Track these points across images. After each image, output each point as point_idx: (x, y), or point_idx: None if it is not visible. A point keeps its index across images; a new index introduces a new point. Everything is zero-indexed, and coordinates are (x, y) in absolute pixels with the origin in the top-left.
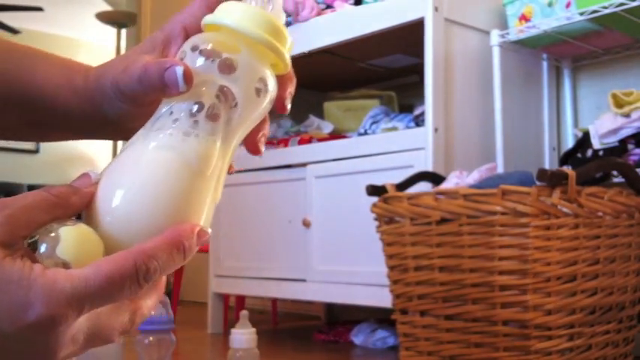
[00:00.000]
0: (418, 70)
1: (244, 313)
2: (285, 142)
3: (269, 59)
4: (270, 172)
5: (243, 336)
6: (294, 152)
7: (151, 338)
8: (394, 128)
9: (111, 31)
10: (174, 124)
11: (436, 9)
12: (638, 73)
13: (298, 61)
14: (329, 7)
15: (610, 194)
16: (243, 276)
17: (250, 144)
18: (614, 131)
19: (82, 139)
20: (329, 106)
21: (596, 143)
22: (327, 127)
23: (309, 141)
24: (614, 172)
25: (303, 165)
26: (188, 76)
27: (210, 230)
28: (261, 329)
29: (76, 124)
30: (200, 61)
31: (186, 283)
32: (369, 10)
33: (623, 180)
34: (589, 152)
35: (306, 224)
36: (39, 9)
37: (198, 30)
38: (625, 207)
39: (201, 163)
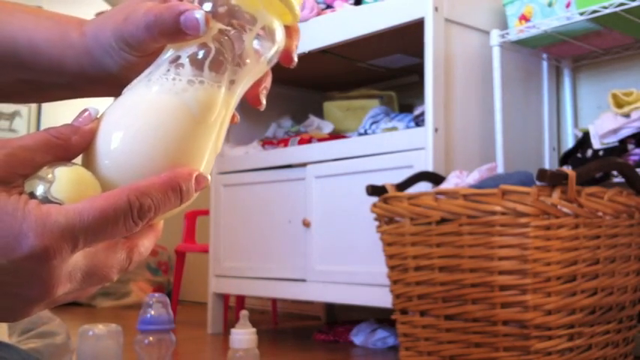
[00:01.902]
0: (418, 70)
1: (244, 313)
2: (285, 142)
3: (278, 9)
4: (270, 172)
5: (243, 336)
6: (294, 152)
7: (150, 338)
8: (394, 128)
9: None
10: (179, 69)
11: (436, 9)
12: (638, 73)
13: (298, 61)
14: (329, 7)
15: (610, 194)
16: (243, 276)
17: (251, 96)
18: (614, 131)
19: (83, 96)
20: (329, 106)
21: (596, 143)
22: (327, 127)
23: (309, 141)
24: (614, 172)
25: (303, 165)
26: (208, 21)
27: (209, 177)
28: (261, 329)
29: (75, 81)
30: (207, 6)
31: (186, 283)
32: (369, 10)
33: (623, 180)
34: (589, 152)
35: (306, 224)
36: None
37: None
38: (625, 207)
39: (204, 110)
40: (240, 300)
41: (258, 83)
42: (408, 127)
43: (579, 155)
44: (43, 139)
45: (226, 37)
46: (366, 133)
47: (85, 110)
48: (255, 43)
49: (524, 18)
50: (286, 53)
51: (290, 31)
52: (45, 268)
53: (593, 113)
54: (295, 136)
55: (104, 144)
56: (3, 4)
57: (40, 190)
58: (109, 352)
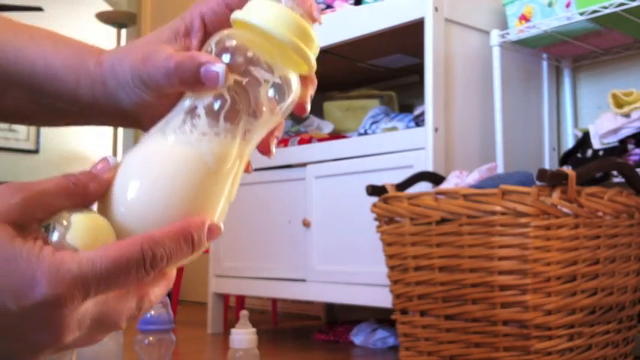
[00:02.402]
0: (418, 70)
1: (244, 313)
2: (285, 142)
3: (294, 61)
4: (270, 172)
5: (243, 336)
6: (294, 152)
7: (150, 338)
8: (394, 128)
9: (111, 31)
10: (195, 119)
11: (436, 9)
12: (638, 73)
13: None
14: (329, 7)
15: (610, 194)
16: (243, 276)
17: (262, 144)
18: (614, 131)
19: (94, 125)
20: (329, 106)
21: (596, 143)
22: (327, 127)
23: (309, 141)
24: (614, 172)
25: (303, 165)
26: (227, 74)
27: (222, 227)
28: (261, 329)
29: (87, 109)
30: (226, 57)
31: (186, 283)
32: (369, 10)
33: (623, 180)
34: (589, 152)
35: (306, 224)
36: (39, 9)
37: (218, 25)
38: (625, 207)
39: (218, 162)
40: (240, 300)
41: (270, 132)
42: (408, 127)
43: (579, 155)
44: (61, 185)
45: (243, 88)
46: (366, 133)
47: (104, 158)
48: (271, 93)
49: (524, 18)
50: (300, 103)
51: (306, 81)
52: (56, 316)
53: (593, 113)
54: (295, 136)
55: (121, 193)
56: (23, 27)
57: (55, 236)
58: (109, 352)
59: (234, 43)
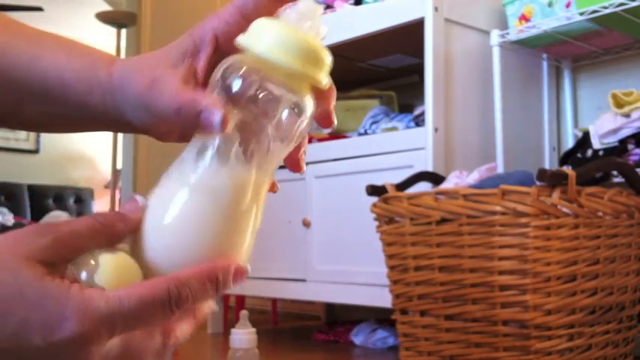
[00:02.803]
0: (418, 70)
1: (244, 313)
2: None
3: (306, 83)
4: None
5: (243, 336)
6: None
7: None
8: (394, 128)
9: (111, 31)
10: (208, 158)
11: (436, 9)
12: (638, 73)
13: None
14: (329, 7)
15: (610, 194)
16: None
17: (291, 161)
18: (614, 131)
19: (106, 130)
20: None
21: (596, 143)
22: None
23: (309, 141)
24: (614, 172)
25: None
26: (225, 122)
27: (249, 267)
28: (261, 329)
29: (99, 117)
30: (235, 86)
31: None
32: (369, 10)
33: (623, 180)
34: (589, 152)
35: (306, 224)
36: (39, 9)
37: (230, 38)
38: (625, 207)
39: (238, 198)
40: (240, 300)
41: (297, 148)
42: (408, 127)
43: (579, 155)
44: (89, 226)
45: (254, 117)
46: (366, 133)
47: (133, 199)
48: (285, 118)
49: (524, 18)
50: (324, 116)
51: (323, 94)
52: (82, 352)
53: (593, 113)
54: None
55: (148, 236)
56: (36, 35)
57: (83, 276)
58: None
59: (241, 72)
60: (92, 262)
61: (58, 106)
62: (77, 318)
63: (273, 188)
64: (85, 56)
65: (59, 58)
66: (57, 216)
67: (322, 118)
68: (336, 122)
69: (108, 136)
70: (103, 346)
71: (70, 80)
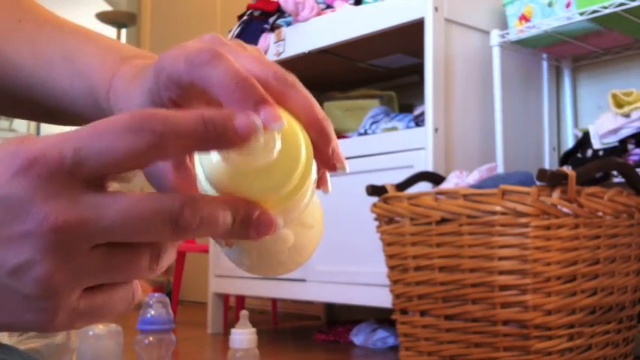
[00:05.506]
0: (418, 70)
1: (244, 313)
2: None
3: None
4: None
5: (243, 336)
6: None
7: (150, 338)
8: (394, 128)
9: (111, 31)
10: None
11: (436, 9)
12: (638, 73)
13: (298, 61)
14: (329, 7)
15: (610, 194)
16: (243, 276)
17: (325, 163)
18: (614, 131)
19: None
20: (329, 106)
21: (596, 143)
22: None
23: None
24: (614, 172)
25: None
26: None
27: (280, 222)
28: (261, 329)
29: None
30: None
31: (186, 283)
32: (369, 10)
33: (623, 180)
34: (589, 152)
35: None
36: None
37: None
38: (625, 207)
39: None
40: (240, 300)
41: (322, 148)
42: (408, 127)
43: (579, 155)
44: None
45: None
46: (366, 133)
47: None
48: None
49: (524, 18)
50: (324, 160)
51: (318, 145)
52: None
53: (593, 113)
54: None
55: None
56: (44, 48)
57: None
58: (109, 352)
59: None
60: None
61: (57, 116)
62: (28, 148)
63: (324, 186)
64: (87, 80)
65: (63, 81)
66: None
67: (323, 163)
68: (344, 162)
69: None
70: (71, 175)
71: (70, 104)
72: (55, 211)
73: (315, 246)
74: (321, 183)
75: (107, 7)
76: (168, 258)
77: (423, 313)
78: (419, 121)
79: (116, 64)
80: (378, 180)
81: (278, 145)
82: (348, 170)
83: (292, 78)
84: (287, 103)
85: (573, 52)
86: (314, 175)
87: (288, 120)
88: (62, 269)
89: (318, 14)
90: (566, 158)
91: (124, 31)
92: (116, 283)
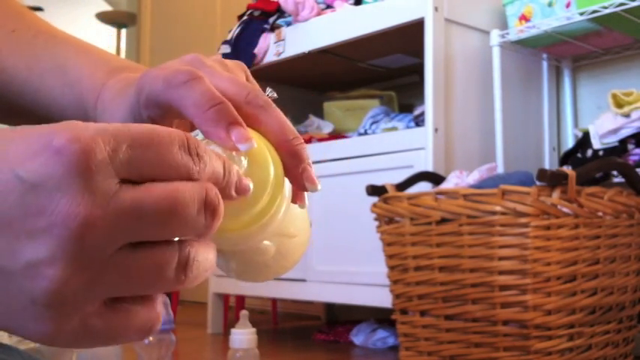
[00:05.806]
0: (418, 70)
1: (244, 313)
2: None
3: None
4: None
5: (243, 336)
6: None
7: (150, 338)
8: (394, 128)
9: (111, 31)
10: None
11: (436, 9)
12: (638, 73)
13: (298, 61)
14: (329, 7)
15: (610, 194)
16: None
17: (296, 183)
18: (614, 131)
19: None
20: (329, 106)
21: (596, 143)
22: (327, 127)
23: (309, 141)
24: (614, 172)
25: None
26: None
27: (250, 186)
28: (261, 329)
29: None
30: None
31: None
32: (369, 10)
33: (623, 180)
34: (589, 152)
35: None
36: (39, 9)
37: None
38: (625, 207)
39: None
40: (240, 300)
41: (292, 169)
42: (408, 127)
43: (579, 155)
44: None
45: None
46: (366, 133)
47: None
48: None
49: (524, 18)
50: (296, 198)
51: (288, 164)
52: (80, 171)
53: (593, 113)
54: None
55: None
56: (36, 59)
57: None
58: (109, 352)
59: None
60: None
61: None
62: (67, 132)
63: (301, 201)
64: (76, 90)
65: (54, 91)
66: None
67: (296, 199)
68: (316, 182)
69: None
70: (108, 170)
71: (59, 113)
72: (89, 206)
73: (301, 253)
74: (297, 199)
75: (107, 7)
76: (200, 267)
77: (423, 313)
78: (419, 121)
79: (105, 75)
80: (378, 180)
81: (244, 164)
82: (320, 189)
83: (265, 99)
84: (259, 125)
85: (573, 52)
86: (287, 193)
87: (258, 141)
88: (79, 275)
89: (318, 14)
90: (566, 158)
91: (124, 31)
92: (137, 303)
